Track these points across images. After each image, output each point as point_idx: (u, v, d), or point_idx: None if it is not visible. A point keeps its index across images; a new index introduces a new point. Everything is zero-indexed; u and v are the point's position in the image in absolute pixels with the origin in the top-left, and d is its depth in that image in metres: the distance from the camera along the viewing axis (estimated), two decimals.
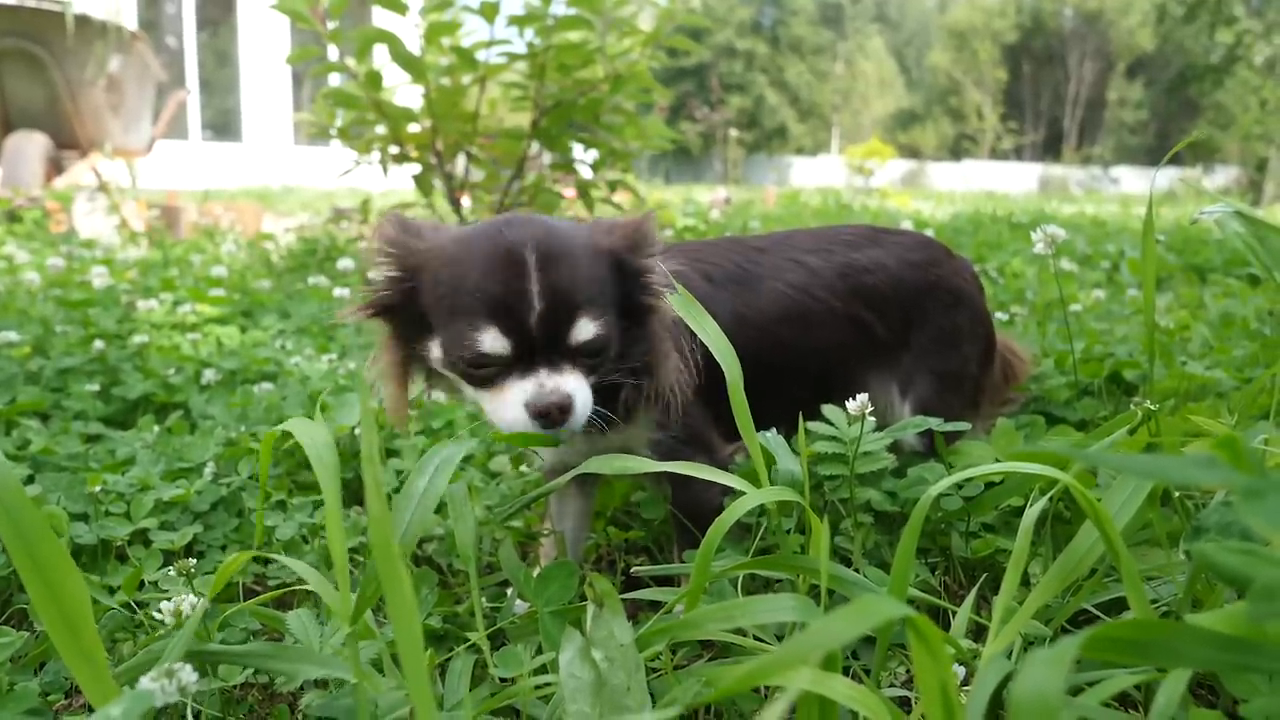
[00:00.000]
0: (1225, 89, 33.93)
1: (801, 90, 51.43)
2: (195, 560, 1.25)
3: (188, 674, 0.82)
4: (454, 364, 1.25)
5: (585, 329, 1.21)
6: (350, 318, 1.30)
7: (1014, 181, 33.94)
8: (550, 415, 1.19)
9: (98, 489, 1.62)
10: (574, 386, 1.21)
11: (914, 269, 1.74)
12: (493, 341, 1.20)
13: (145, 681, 0.81)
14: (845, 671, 1.10)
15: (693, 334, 1.27)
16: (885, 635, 0.99)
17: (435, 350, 1.27)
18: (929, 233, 5.23)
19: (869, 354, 1.71)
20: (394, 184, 5.38)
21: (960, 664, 1.02)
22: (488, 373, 1.23)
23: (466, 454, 2.03)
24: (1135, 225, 7.43)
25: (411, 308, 1.27)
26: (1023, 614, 0.98)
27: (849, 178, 20.54)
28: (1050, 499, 1.12)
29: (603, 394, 1.28)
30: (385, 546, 0.77)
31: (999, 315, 3.24)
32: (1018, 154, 51.18)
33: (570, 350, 1.22)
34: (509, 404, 1.21)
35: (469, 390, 1.28)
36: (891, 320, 1.70)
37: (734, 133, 21.13)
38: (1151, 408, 1.26)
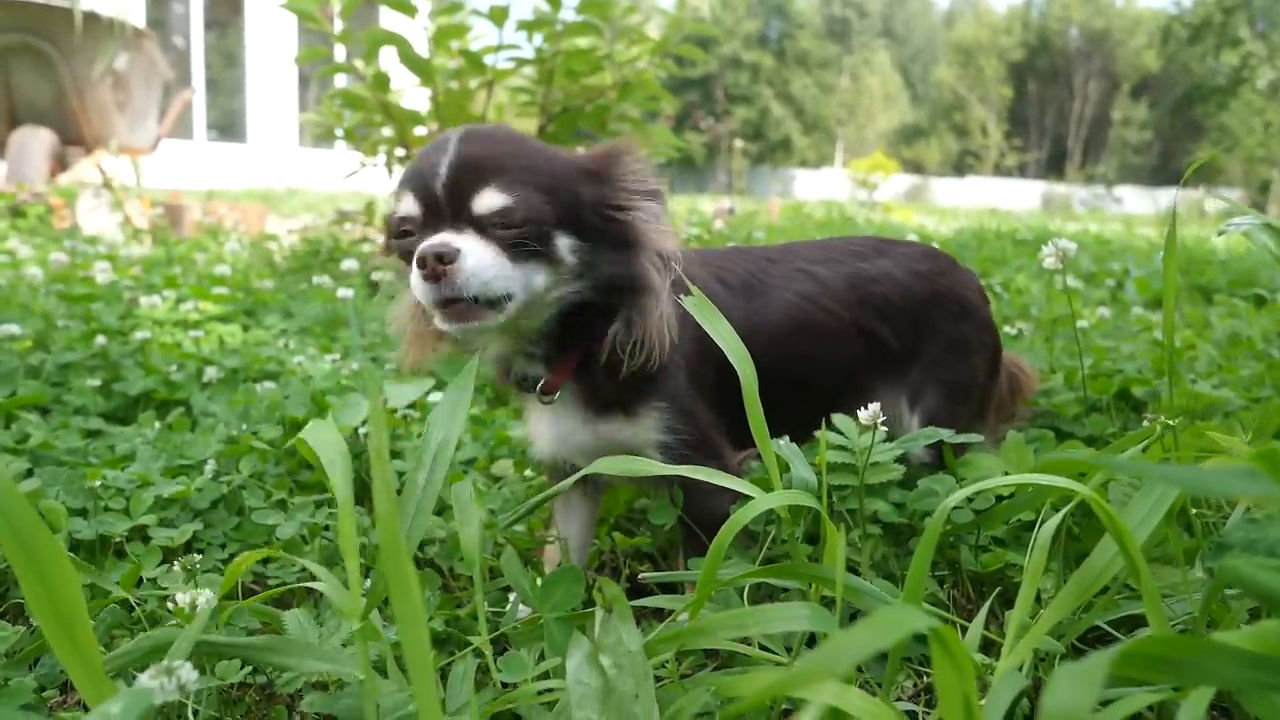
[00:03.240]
0: (1229, 111, 34.07)
1: (807, 103, 51.58)
2: (198, 557, 1.23)
3: (187, 672, 0.80)
4: (395, 247, 1.30)
5: (491, 198, 1.22)
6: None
7: (1017, 198, 33.95)
8: (426, 263, 1.17)
9: (97, 484, 1.60)
10: (466, 244, 1.20)
11: (921, 279, 1.73)
12: (407, 205, 1.27)
13: (144, 679, 0.79)
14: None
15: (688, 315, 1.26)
16: (899, 648, 0.97)
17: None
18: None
19: (878, 365, 1.69)
20: None
21: None
22: (409, 243, 1.26)
23: (469, 458, 2.02)
24: (1139, 244, 7.42)
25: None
26: (1038, 629, 0.96)
27: (852, 191, 20.56)
28: (1066, 513, 1.10)
29: (583, 327, 1.32)
30: (394, 545, 0.75)
31: (1005, 330, 3.22)
32: (1021, 171, 51.32)
33: (476, 219, 1.23)
34: (414, 271, 1.20)
35: (407, 277, 1.28)
36: (900, 330, 1.69)
37: (739, 144, 21.14)
38: (1169, 423, 1.24)
